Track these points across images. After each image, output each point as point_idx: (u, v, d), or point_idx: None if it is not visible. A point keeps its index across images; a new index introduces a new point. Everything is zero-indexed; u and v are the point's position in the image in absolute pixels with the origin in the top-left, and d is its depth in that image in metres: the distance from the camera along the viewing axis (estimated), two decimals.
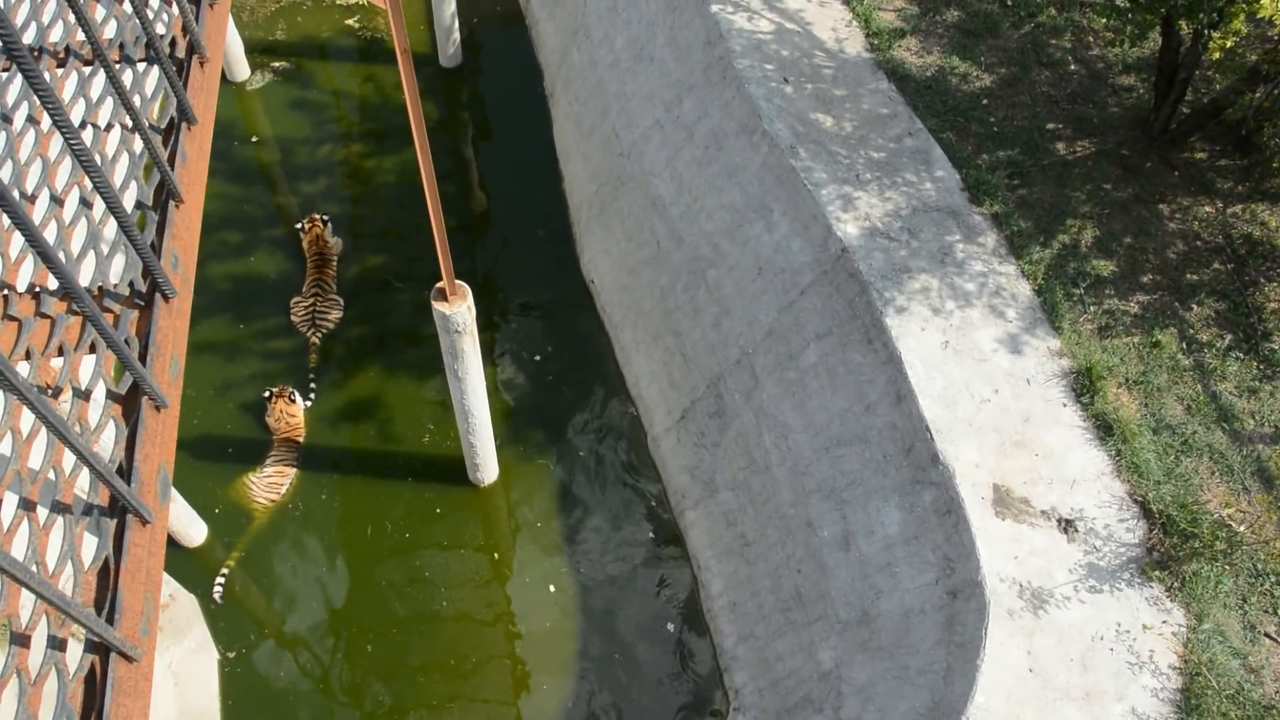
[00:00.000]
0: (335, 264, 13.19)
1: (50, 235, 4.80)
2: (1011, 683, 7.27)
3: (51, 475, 4.02)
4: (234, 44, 15.02)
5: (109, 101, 5.48)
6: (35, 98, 5.33)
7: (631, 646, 10.59)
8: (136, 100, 5.40)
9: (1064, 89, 11.07)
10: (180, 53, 5.88)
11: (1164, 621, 7.57)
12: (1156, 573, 7.73)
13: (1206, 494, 8.12)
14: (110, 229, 4.85)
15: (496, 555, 11.19)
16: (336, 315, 12.83)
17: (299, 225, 13.19)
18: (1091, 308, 9.26)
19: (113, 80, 4.66)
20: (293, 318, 12.74)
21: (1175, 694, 7.27)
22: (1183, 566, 7.72)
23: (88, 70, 5.60)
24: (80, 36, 5.76)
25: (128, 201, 4.98)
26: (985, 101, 10.84)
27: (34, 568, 3.73)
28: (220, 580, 10.73)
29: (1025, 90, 10.99)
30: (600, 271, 12.97)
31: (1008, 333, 8.95)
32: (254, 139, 14.84)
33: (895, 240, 9.41)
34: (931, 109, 10.61)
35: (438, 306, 8.95)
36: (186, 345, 4.93)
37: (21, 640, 3.63)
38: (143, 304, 4.72)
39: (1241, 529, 7.70)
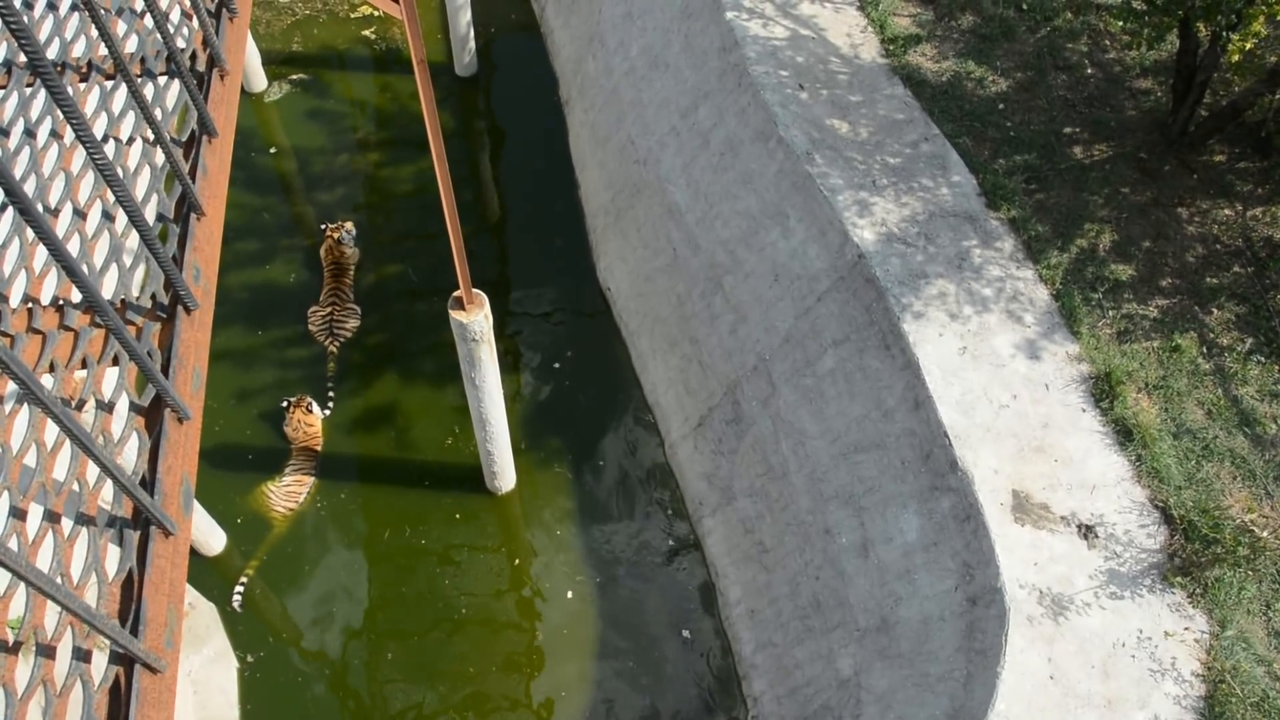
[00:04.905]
0: (352, 273, 13.25)
1: (74, 248, 4.84)
2: (1032, 690, 7.23)
3: (76, 487, 4.05)
4: (251, 55, 15.14)
5: (131, 115, 5.52)
6: (59, 112, 5.39)
7: (649, 654, 10.59)
8: (158, 113, 5.44)
9: (1081, 93, 11.02)
10: (201, 66, 5.93)
11: (1186, 628, 7.51)
12: (1178, 579, 7.68)
13: (1228, 499, 8.05)
14: (132, 242, 4.89)
15: (516, 562, 11.21)
16: (354, 324, 12.88)
17: (323, 226, 13.30)
18: (1110, 312, 9.20)
19: (135, 94, 4.69)
20: (310, 327, 12.81)
21: (1198, 701, 7.21)
22: (1205, 572, 7.66)
23: (110, 84, 5.65)
24: (103, 51, 5.81)
25: (149, 214, 5.01)
26: (1001, 106, 10.80)
27: (59, 579, 3.76)
28: (239, 588, 10.78)
29: (1042, 94, 10.95)
30: (617, 279, 12.98)
31: (1026, 338, 8.91)
32: (272, 150, 14.93)
33: (912, 246, 9.38)
34: (947, 114, 10.58)
35: (455, 315, 8.98)
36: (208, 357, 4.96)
37: (47, 651, 3.66)
38: (165, 316, 4.75)
39: (1264, 534, 7.63)
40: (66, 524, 3.98)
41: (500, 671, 10.50)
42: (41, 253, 4.90)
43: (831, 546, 9.23)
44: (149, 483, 4.24)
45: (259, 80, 15.44)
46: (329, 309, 12.81)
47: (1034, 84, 11.04)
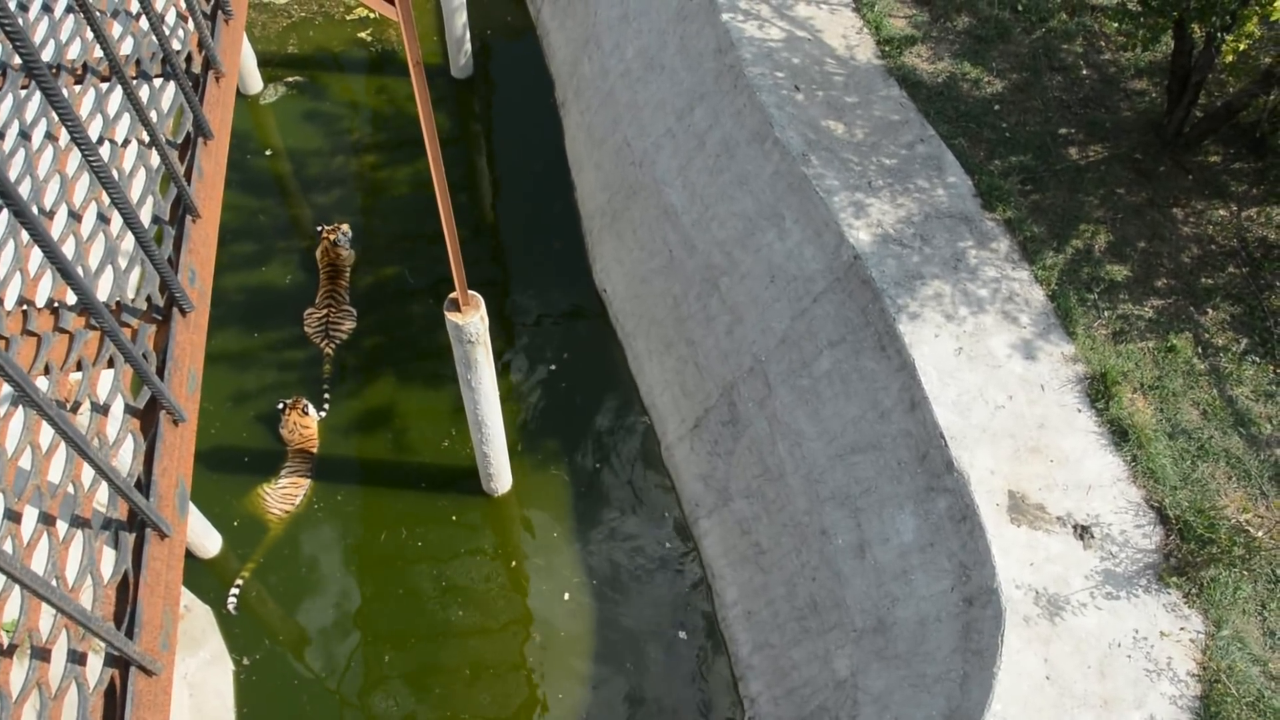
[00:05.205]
0: (348, 275, 13.24)
1: (68, 250, 4.83)
2: (1028, 690, 7.24)
3: (71, 489, 4.05)
4: (247, 58, 15.12)
5: (126, 117, 5.51)
6: (54, 114, 5.38)
7: (646, 655, 10.58)
8: (153, 115, 5.44)
9: (1076, 94, 11.05)
10: (196, 68, 5.92)
11: (1182, 628, 7.52)
12: (1174, 579, 7.69)
13: (1224, 499, 8.06)
14: (128, 244, 4.88)
15: (512, 564, 11.20)
16: (350, 326, 12.88)
17: (319, 228, 13.30)
18: (1105, 313, 9.22)
19: (130, 96, 4.69)
20: (306, 329, 12.80)
21: (1194, 701, 7.22)
22: (1200, 572, 7.67)
23: (105, 86, 5.65)
24: (98, 53, 5.81)
25: (145, 216, 5.01)
26: (997, 107, 10.82)
27: (54, 582, 3.75)
28: (235, 591, 10.77)
29: (1037, 95, 10.97)
30: (613, 280, 12.99)
31: (1021, 338, 8.92)
32: (267, 152, 14.92)
33: (908, 247, 9.40)
34: (943, 115, 10.60)
35: (451, 317, 8.97)
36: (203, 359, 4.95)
37: (42, 654, 3.65)
38: (160, 318, 4.75)
39: (1259, 534, 7.65)
40: (62, 526, 3.98)
41: (496, 673, 10.49)
42: (36, 255, 4.90)
43: (828, 547, 9.24)
44: (144, 485, 4.24)
45: (255, 82, 15.44)
46: (325, 311, 12.80)
47: (1029, 85, 11.07)
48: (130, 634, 3.83)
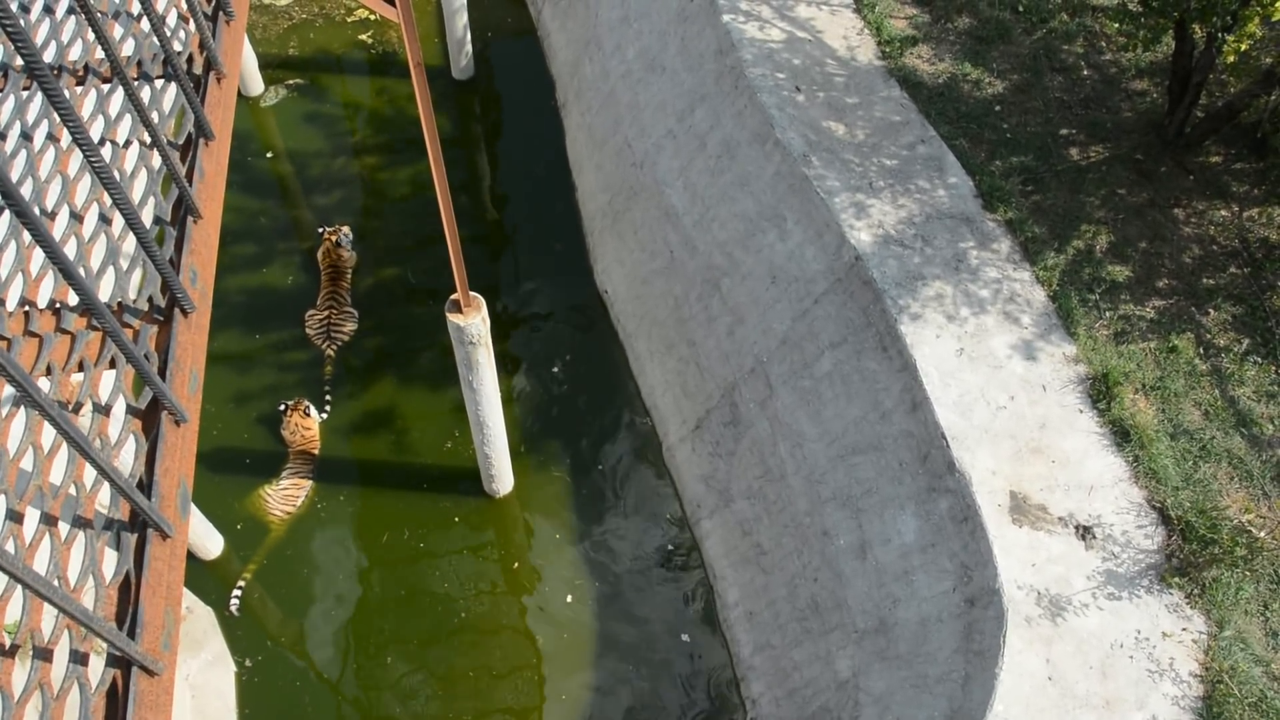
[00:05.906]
0: (350, 276, 13.24)
1: (70, 251, 4.83)
2: (1030, 691, 7.23)
3: (73, 490, 4.05)
4: (248, 60, 15.13)
5: (127, 118, 5.51)
6: (55, 115, 5.39)
7: (648, 656, 10.58)
8: (155, 116, 5.44)
9: (1077, 94, 11.04)
10: (197, 69, 5.92)
11: (1184, 629, 7.51)
12: (1176, 579, 7.68)
13: (1226, 499, 8.06)
14: (129, 244, 4.88)
15: (514, 565, 11.20)
16: (351, 327, 12.88)
17: (321, 230, 13.30)
18: (1107, 313, 9.22)
19: (131, 97, 4.69)
20: (307, 330, 12.80)
21: (1196, 702, 7.21)
22: (1202, 573, 7.67)
23: (106, 87, 5.65)
24: (99, 54, 5.81)
25: (146, 217, 5.01)
26: (998, 108, 10.82)
27: (56, 582, 3.75)
28: (237, 593, 10.76)
29: (1038, 96, 10.96)
30: (614, 282, 12.99)
31: (1023, 339, 8.92)
32: (269, 154, 14.93)
33: (909, 248, 9.39)
34: (944, 116, 10.60)
35: (452, 318, 8.98)
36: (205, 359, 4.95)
37: (44, 654, 3.65)
38: (162, 319, 4.75)
39: (1262, 535, 7.64)
40: (64, 527, 3.98)
41: (499, 675, 10.49)
42: (38, 256, 4.90)
43: (829, 548, 9.23)
44: (146, 485, 4.24)
45: (256, 84, 15.45)
46: (326, 312, 12.80)
47: (1030, 86, 11.06)
48: (132, 634, 3.83)
